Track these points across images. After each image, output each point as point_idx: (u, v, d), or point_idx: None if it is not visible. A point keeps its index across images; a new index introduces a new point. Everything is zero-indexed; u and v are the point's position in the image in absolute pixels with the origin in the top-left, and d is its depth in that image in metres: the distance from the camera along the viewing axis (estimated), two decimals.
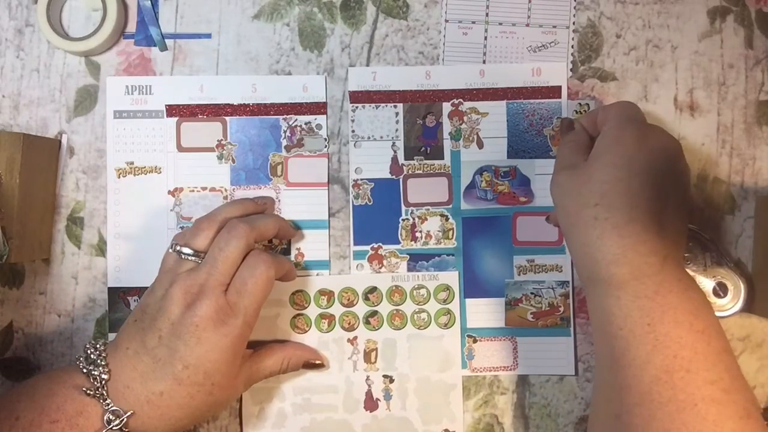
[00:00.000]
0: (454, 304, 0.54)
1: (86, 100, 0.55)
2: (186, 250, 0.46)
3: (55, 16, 0.55)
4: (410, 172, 0.55)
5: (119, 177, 0.55)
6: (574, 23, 0.56)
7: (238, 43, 0.56)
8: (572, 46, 0.56)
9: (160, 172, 0.55)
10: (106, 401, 0.43)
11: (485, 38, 0.56)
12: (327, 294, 0.54)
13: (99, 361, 0.44)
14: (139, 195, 0.55)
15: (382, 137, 0.55)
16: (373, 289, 0.54)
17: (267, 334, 0.54)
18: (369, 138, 0.55)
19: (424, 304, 0.54)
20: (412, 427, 0.53)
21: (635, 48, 0.55)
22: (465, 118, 0.55)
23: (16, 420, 0.42)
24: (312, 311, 0.54)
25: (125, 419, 0.42)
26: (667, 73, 0.55)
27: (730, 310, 0.52)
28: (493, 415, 0.54)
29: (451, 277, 0.54)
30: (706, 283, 0.52)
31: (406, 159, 0.55)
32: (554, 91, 0.55)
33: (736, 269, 0.52)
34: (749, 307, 0.52)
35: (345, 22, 0.56)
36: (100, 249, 0.55)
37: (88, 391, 0.43)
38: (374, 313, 0.54)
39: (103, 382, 0.43)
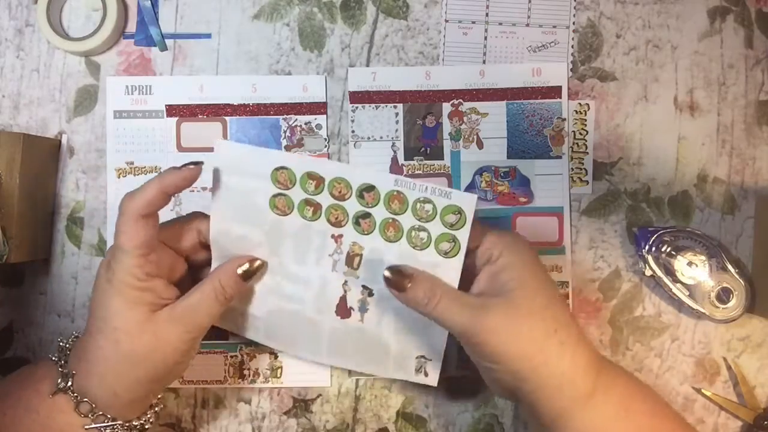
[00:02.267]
0: (462, 232, 0.44)
1: (86, 100, 0.55)
2: None
3: (55, 16, 0.55)
4: (410, 172, 0.55)
5: (119, 177, 0.55)
6: (574, 23, 0.56)
7: (238, 43, 0.56)
8: (572, 46, 0.56)
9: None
10: (63, 365, 0.44)
11: (485, 38, 0.56)
12: (316, 179, 0.45)
13: (72, 335, 0.46)
14: None
15: (382, 137, 0.55)
16: (370, 188, 0.45)
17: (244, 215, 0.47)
18: (369, 138, 0.55)
19: (427, 221, 0.45)
20: (384, 347, 0.49)
21: (635, 48, 0.55)
22: (465, 119, 0.55)
23: (3, 416, 0.43)
24: (296, 194, 0.46)
25: (69, 379, 0.43)
26: (667, 73, 0.55)
27: (734, 315, 0.52)
28: (493, 415, 0.54)
29: (468, 201, 0.44)
30: (710, 288, 0.52)
31: (405, 159, 0.55)
32: (554, 91, 0.55)
33: (741, 274, 0.52)
34: (749, 308, 0.52)
35: (345, 22, 0.56)
36: (100, 249, 0.55)
37: (53, 357, 0.44)
38: (367, 215, 0.45)
39: (66, 349, 0.45)
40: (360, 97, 0.55)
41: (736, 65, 0.55)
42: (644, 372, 0.54)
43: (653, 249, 0.52)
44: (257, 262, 0.46)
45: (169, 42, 0.56)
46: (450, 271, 0.45)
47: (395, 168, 0.55)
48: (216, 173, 0.46)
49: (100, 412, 0.43)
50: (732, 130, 0.55)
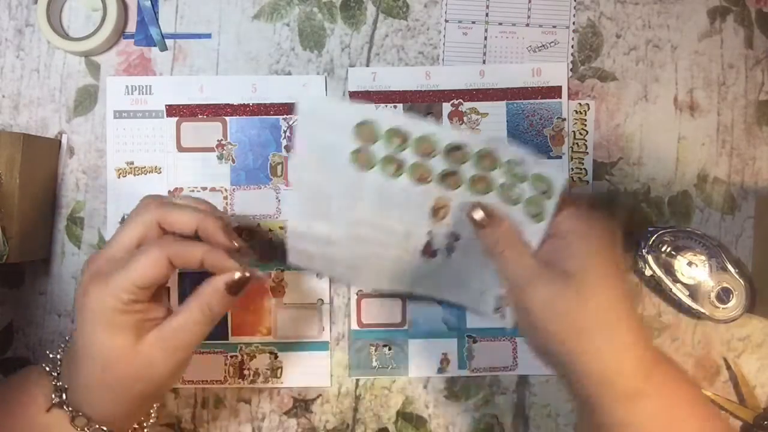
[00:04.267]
0: (550, 202, 0.43)
1: (86, 100, 0.55)
2: None
3: (55, 16, 0.55)
4: None
5: (119, 177, 0.55)
6: (574, 23, 0.56)
7: (238, 43, 0.56)
8: (572, 46, 0.56)
9: (160, 172, 0.55)
10: (56, 377, 0.43)
11: (485, 38, 0.56)
12: (401, 136, 0.43)
13: (61, 344, 0.45)
14: (139, 195, 0.54)
15: None
16: (457, 148, 0.43)
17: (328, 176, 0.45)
18: None
19: (520, 181, 0.43)
20: (467, 282, 0.48)
21: (635, 48, 0.55)
22: (465, 119, 0.55)
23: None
24: (379, 149, 0.43)
25: (63, 394, 0.42)
26: (667, 73, 0.55)
27: (734, 315, 0.52)
28: (493, 415, 0.54)
29: (557, 179, 0.42)
30: (710, 288, 0.52)
31: None
32: (554, 91, 0.55)
33: (741, 274, 0.52)
34: (749, 308, 0.52)
35: (345, 22, 0.56)
36: (100, 249, 0.55)
37: (47, 367, 0.43)
38: (453, 173, 0.43)
39: (58, 360, 0.44)
40: (360, 97, 0.55)
41: (736, 65, 0.55)
42: None
43: (653, 249, 0.52)
44: (246, 275, 0.42)
45: (169, 42, 0.56)
46: (533, 234, 0.43)
47: None
48: (298, 126, 0.44)
49: (96, 426, 0.42)
50: (732, 130, 0.55)
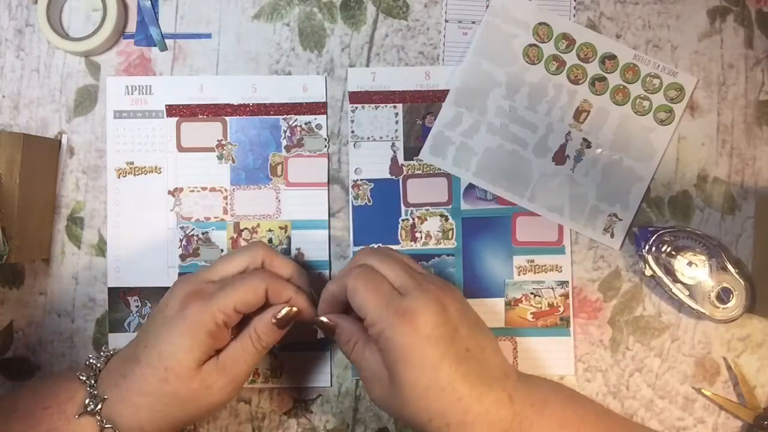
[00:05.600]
0: (679, 106, 0.54)
1: (86, 100, 0.55)
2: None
3: (55, 16, 0.55)
4: (410, 172, 0.55)
5: (119, 177, 0.55)
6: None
7: (238, 43, 0.56)
8: None
9: (160, 172, 0.55)
10: (93, 386, 0.43)
11: None
12: (569, 40, 0.54)
13: (101, 353, 0.46)
14: (139, 195, 0.55)
15: (381, 138, 0.55)
16: (612, 57, 0.54)
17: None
18: (369, 138, 0.55)
19: (652, 93, 0.54)
20: (583, 199, 0.54)
21: (635, 48, 0.55)
22: None
23: (14, 411, 0.43)
24: (548, 48, 0.54)
25: (99, 403, 0.43)
26: None
27: (734, 315, 0.52)
28: None
29: (689, 81, 0.54)
30: (710, 288, 0.52)
31: (405, 159, 0.55)
32: None
33: (741, 274, 0.52)
34: (749, 308, 0.52)
35: (345, 22, 0.56)
36: (100, 249, 0.55)
37: (81, 376, 0.44)
38: (603, 79, 0.54)
39: (97, 369, 0.45)
40: (360, 97, 0.55)
41: (736, 65, 0.55)
42: (644, 372, 0.54)
43: (653, 249, 0.52)
44: (293, 310, 0.45)
45: (169, 42, 0.56)
46: (662, 137, 0.54)
47: (395, 168, 0.55)
48: (487, 17, 0.54)
49: None
50: (732, 130, 0.55)
